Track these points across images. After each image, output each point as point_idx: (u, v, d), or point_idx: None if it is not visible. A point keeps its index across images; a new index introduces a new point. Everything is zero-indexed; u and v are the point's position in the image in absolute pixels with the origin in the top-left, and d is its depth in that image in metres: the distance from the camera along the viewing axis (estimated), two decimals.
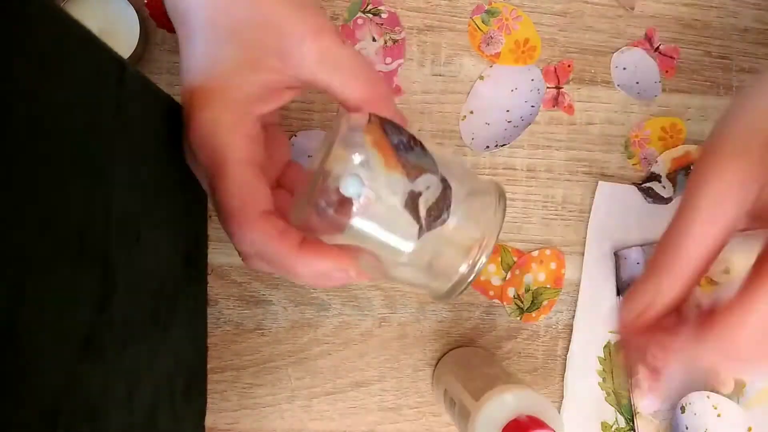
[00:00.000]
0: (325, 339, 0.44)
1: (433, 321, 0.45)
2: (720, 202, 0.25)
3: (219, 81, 0.29)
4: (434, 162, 0.28)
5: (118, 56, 0.27)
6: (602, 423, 0.46)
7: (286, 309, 0.44)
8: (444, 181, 0.29)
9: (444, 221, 0.29)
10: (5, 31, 0.19)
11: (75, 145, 0.23)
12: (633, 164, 0.47)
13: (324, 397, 0.44)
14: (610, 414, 0.46)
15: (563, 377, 0.46)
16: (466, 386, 0.38)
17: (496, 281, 0.45)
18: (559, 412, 0.46)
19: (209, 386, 0.43)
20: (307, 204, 0.28)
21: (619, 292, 0.46)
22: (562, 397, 0.46)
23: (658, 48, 0.47)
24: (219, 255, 0.43)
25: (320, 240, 0.29)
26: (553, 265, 0.46)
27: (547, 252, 0.46)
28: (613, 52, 0.46)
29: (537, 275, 0.46)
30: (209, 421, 0.43)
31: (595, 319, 0.46)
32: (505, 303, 0.45)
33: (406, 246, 0.29)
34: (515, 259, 0.45)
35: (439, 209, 0.28)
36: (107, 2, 0.40)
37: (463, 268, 0.30)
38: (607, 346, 0.46)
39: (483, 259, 0.30)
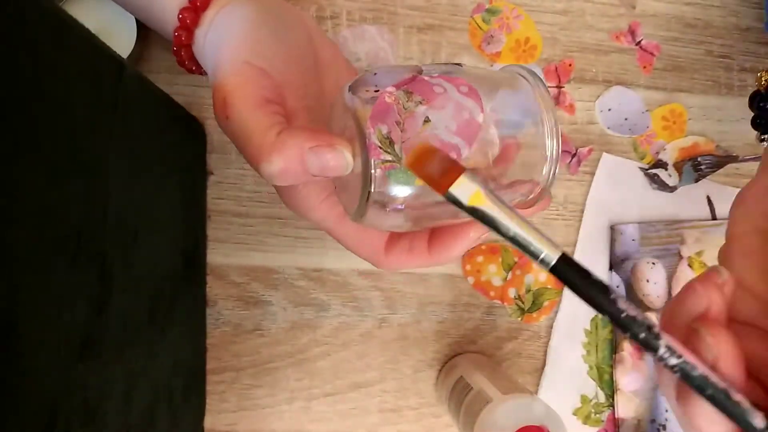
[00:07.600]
0: (325, 340, 0.44)
1: (433, 322, 0.45)
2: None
3: None
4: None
5: (116, 56, 0.27)
6: (582, 396, 0.46)
7: (285, 310, 0.43)
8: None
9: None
10: (5, 30, 0.18)
11: (73, 144, 0.23)
12: (647, 162, 0.46)
13: (323, 398, 0.44)
14: (591, 388, 0.46)
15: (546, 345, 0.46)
16: (492, 380, 0.38)
17: (496, 282, 0.45)
18: (540, 381, 0.46)
19: (208, 387, 0.43)
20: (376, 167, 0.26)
21: (611, 267, 0.46)
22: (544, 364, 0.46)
23: (639, 42, 0.47)
24: (218, 255, 0.43)
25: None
26: None
27: None
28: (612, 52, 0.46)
29: (538, 275, 0.45)
30: (208, 422, 0.43)
31: None
32: (506, 303, 0.45)
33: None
34: (516, 259, 0.45)
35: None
36: (106, 2, 0.39)
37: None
38: (594, 320, 0.46)
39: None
